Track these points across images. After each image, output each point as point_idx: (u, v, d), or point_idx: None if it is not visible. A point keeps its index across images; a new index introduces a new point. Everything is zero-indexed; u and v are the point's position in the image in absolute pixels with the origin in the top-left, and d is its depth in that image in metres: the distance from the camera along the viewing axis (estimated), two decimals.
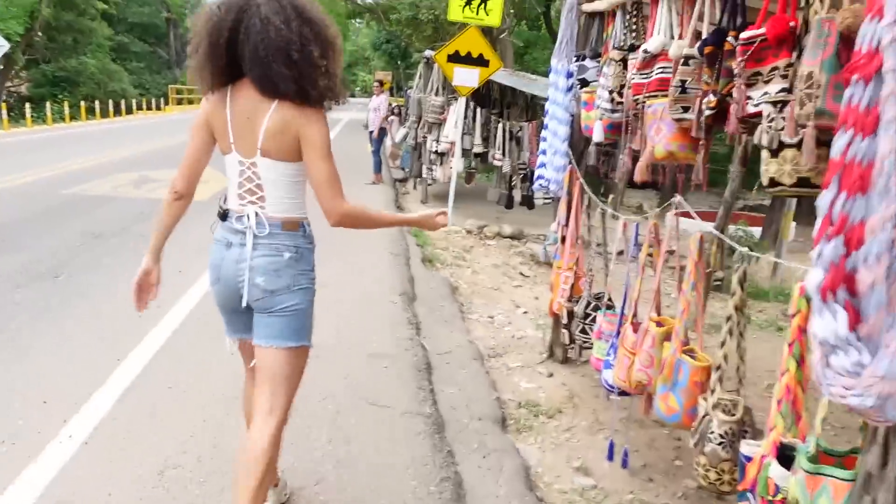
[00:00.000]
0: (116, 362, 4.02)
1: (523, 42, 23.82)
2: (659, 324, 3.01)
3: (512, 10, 19.23)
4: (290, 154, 2.25)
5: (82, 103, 25.62)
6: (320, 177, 2.23)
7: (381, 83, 14.50)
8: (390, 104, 14.57)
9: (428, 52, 11.32)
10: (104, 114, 27.67)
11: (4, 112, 19.76)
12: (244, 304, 2.33)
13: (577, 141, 4.44)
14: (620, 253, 3.61)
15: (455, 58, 9.55)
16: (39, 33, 26.51)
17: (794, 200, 9.12)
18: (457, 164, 9.94)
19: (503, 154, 10.19)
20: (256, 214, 2.29)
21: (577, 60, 4.18)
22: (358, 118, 30.00)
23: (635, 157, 3.36)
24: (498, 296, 6.83)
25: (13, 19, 22.46)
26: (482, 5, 9.55)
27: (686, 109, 2.80)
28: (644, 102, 3.13)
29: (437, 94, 10.64)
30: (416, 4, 23.75)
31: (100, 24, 35.60)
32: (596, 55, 4.05)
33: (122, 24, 42.85)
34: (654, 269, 3.17)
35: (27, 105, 22.55)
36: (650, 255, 3.25)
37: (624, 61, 3.50)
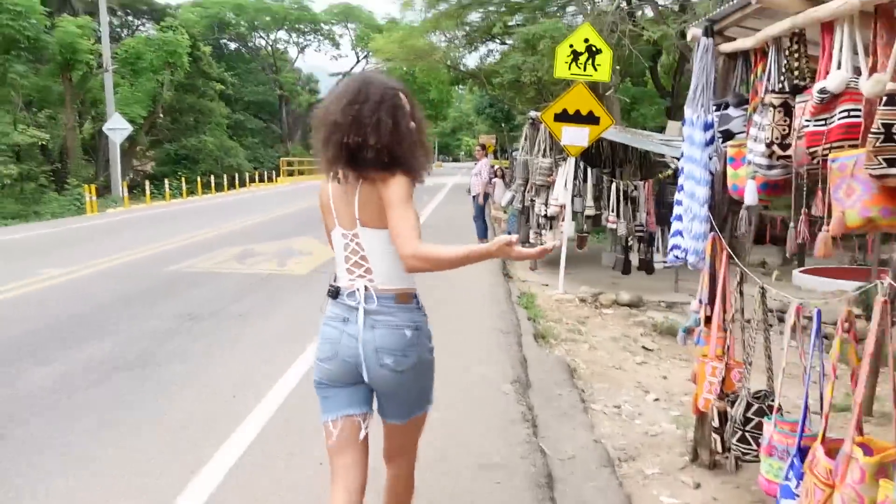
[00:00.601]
0: (189, 474, 3.54)
1: (630, 98, 23.12)
2: (867, 449, 2.23)
3: (618, 67, 18.67)
4: (385, 221, 2.25)
5: (198, 179, 26.77)
6: (394, 224, 2.20)
7: (484, 147, 14.21)
8: (493, 167, 14.18)
9: (533, 113, 10.86)
10: (220, 188, 28.87)
11: (125, 190, 20.77)
12: (365, 378, 2.34)
13: (720, 203, 3.75)
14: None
15: (563, 116, 9.02)
16: (161, 115, 28.12)
17: None
18: (567, 227, 9.30)
19: (617, 216, 9.47)
20: (366, 288, 2.31)
21: (717, 109, 3.53)
22: (462, 183, 29.95)
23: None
24: (621, 377, 6.06)
25: (137, 104, 23.95)
26: (590, 61, 9.02)
27: (892, 163, 2.10)
28: (824, 156, 2.44)
29: (544, 156, 10.11)
30: (517, 67, 23.60)
31: (218, 104, 37.79)
32: (742, 101, 3.39)
33: (239, 104, 45.38)
34: (851, 370, 2.41)
35: (147, 183, 23.74)
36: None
37: (786, 106, 2.82)
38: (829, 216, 2.43)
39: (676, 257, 3.90)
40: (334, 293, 2.39)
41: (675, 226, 3.92)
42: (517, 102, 31.21)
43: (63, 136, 21.88)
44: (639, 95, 24.88)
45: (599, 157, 10.71)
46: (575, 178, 9.35)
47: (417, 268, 2.20)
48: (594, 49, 8.99)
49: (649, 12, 20.46)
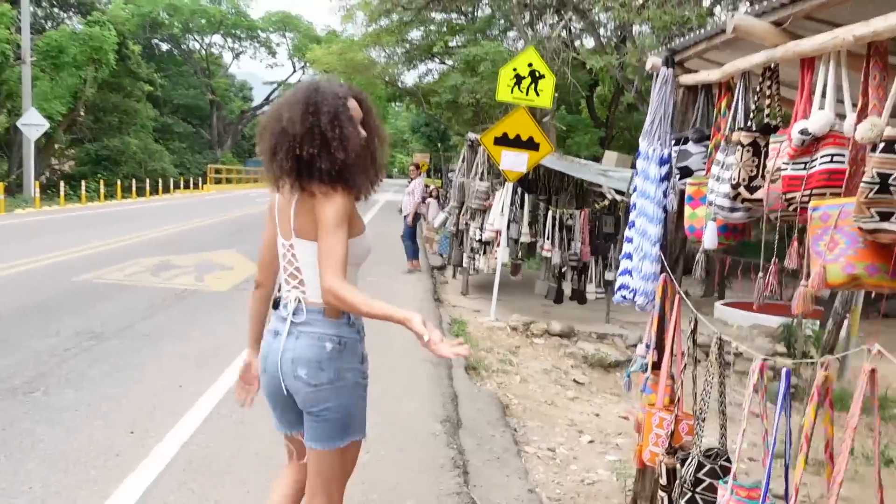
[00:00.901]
0: None
1: (566, 126, 23.33)
2: None
3: (556, 94, 18.76)
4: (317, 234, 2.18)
5: (118, 182, 25.54)
6: (321, 249, 2.12)
7: (418, 166, 13.78)
8: (427, 186, 13.88)
9: (472, 135, 10.66)
10: (142, 192, 27.68)
11: (37, 190, 19.56)
12: (285, 392, 2.25)
13: (672, 242, 3.55)
14: None
15: (503, 140, 8.83)
16: (82, 113, 26.82)
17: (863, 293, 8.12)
18: (502, 253, 9.07)
19: (552, 244, 9.31)
20: (297, 300, 2.25)
21: (675, 144, 3.32)
22: (395, 200, 29.60)
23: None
24: (554, 414, 5.82)
25: (57, 99, 22.69)
26: (532, 86, 8.87)
27: (886, 216, 1.88)
28: (803, 203, 2.22)
29: (481, 179, 9.89)
30: (456, 87, 23.54)
31: (145, 105, 36.41)
32: (703, 137, 3.19)
33: (168, 106, 43.91)
34: (825, 441, 2.18)
35: (62, 184, 22.46)
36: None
37: (755, 145, 2.62)
38: (808, 269, 2.21)
39: (624, 297, 3.66)
40: (275, 304, 2.35)
41: (623, 264, 3.69)
42: (454, 123, 31.17)
43: None
44: (574, 123, 25.15)
45: (536, 184, 10.56)
46: (512, 203, 9.15)
47: (331, 303, 2.10)
48: (537, 74, 8.85)
49: (589, 42, 20.72)
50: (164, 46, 50.26)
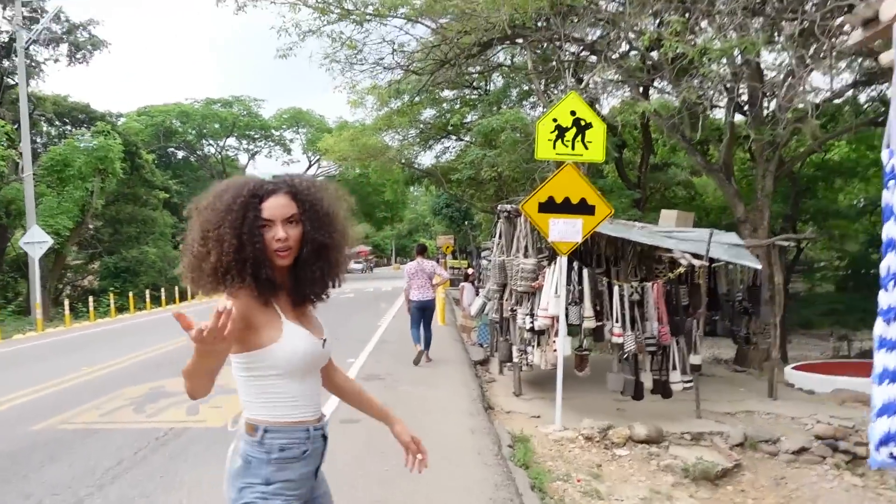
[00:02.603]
0: None
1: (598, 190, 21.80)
2: None
3: None
4: (237, 345, 2.07)
5: (130, 295, 24.31)
6: None
7: (425, 248, 11.60)
8: (463, 268, 12.27)
9: (507, 206, 9.05)
10: (159, 302, 26.43)
11: (38, 312, 18.20)
12: None
13: None
14: None
15: (549, 206, 7.23)
16: (90, 226, 25.91)
17: None
18: (562, 344, 7.30)
19: (623, 327, 7.56)
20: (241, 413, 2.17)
21: None
22: None
23: None
24: None
25: (63, 214, 21.73)
26: (579, 137, 7.31)
27: None
28: None
29: (525, 255, 8.22)
30: (475, 163, 22.30)
31: (161, 213, 35.86)
32: None
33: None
34: None
35: (66, 303, 21.21)
36: None
37: None
38: None
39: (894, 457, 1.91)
40: None
41: (884, 392, 1.95)
42: (476, 200, 29.89)
43: None
44: (605, 188, 23.67)
45: (589, 256, 8.88)
46: (568, 282, 7.45)
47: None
48: (583, 123, 7.31)
49: (613, 102, 19.43)
50: (180, 154, 50.55)
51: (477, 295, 12.54)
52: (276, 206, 2.06)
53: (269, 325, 2.08)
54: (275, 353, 2.08)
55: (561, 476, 5.81)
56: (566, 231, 7.21)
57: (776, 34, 9.48)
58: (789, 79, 10.02)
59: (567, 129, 7.34)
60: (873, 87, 14.25)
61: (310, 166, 54.85)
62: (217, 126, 49.21)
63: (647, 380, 7.75)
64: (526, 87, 25.01)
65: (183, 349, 12.41)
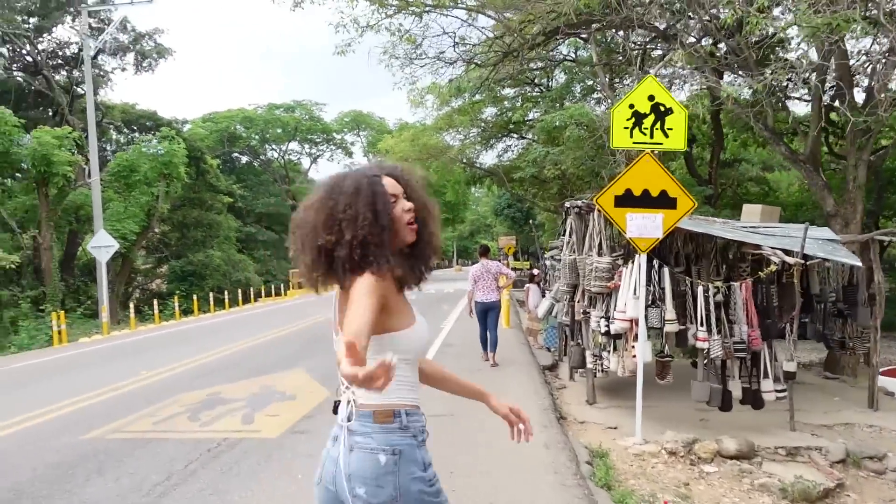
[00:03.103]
0: None
1: None
2: None
3: None
4: None
5: (195, 298, 24.55)
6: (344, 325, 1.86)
7: (488, 249, 11.12)
8: (527, 269, 11.75)
9: (577, 202, 8.47)
10: (223, 304, 26.65)
11: (104, 315, 18.39)
12: None
13: None
14: None
15: (627, 200, 6.64)
16: (156, 230, 26.29)
17: None
18: (642, 350, 6.70)
19: (708, 330, 6.90)
20: (349, 402, 2.03)
21: None
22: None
23: None
24: None
25: (129, 219, 22.03)
26: (657, 125, 6.70)
27: None
28: None
29: (599, 254, 7.64)
30: (538, 161, 21.70)
31: (226, 217, 36.36)
32: None
33: (251, 216, 44.11)
34: None
35: (132, 306, 21.49)
36: None
37: None
38: None
39: None
40: (334, 407, 2.13)
41: None
42: (539, 199, 29.21)
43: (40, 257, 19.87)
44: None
45: (667, 254, 8.23)
46: (648, 282, 6.85)
47: (351, 356, 1.59)
48: (663, 109, 6.70)
49: (681, 97, 18.53)
50: (244, 159, 51.34)
51: (543, 297, 11.97)
52: (390, 185, 2.08)
53: (403, 309, 2.07)
54: (410, 337, 2.05)
55: (646, 497, 5.24)
56: (645, 226, 6.61)
57: (869, 10, 8.63)
58: (886, 57, 9.17)
59: (645, 116, 6.73)
60: None
61: None
62: (280, 131, 49.82)
63: (736, 388, 7.06)
64: (590, 83, 24.28)
65: (243, 352, 12.22)
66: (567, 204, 8.59)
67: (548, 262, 14.12)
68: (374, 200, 2.00)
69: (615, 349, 7.49)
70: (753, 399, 7.07)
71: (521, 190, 29.26)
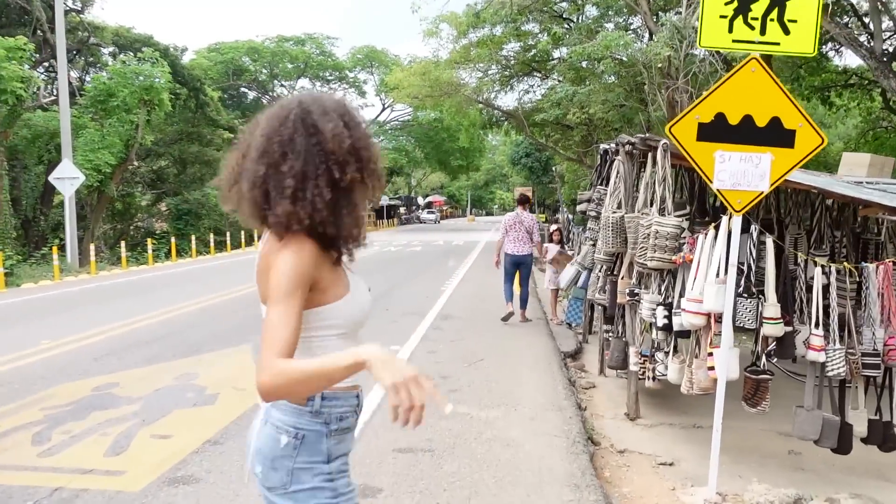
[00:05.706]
0: None
1: None
2: None
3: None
4: None
5: (172, 241, 22.52)
6: (264, 325, 1.64)
7: (527, 199, 10.67)
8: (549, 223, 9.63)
9: (627, 137, 6.03)
10: (220, 247, 24.67)
11: (70, 257, 16.20)
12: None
13: None
14: None
15: (717, 130, 4.25)
16: (135, 162, 24.02)
17: None
18: (726, 360, 4.37)
19: (825, 336, 4.55)
20: None
21: None
22: (496, 240, 25.11)
23: None
24: None
25: (105, 149, 19.69)
26: (773, 14, 4.25)
27: None
28: None
29: (661, 212, 5.25)
30: (563, 101, 19.16)
31: (226, 153, 34.21)
32: None
33: None
34: None
35: (125, 244, 19.37)
36: None
37: None
38: None
39: None
40: None
41: None
42: (561, 147, 26.64)
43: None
44: None
45: (755, 217, 5.82)
46: (740, 259, 4.47)
47: (266, 394, 1.52)
48: None
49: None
50: (252, 95, 49.04)
51: (570, 262, 9.64)
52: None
53: (335, 280, 1.79)
54: (341, 309, 1.79)
55: None
56: (744, 172, 4.23)
57: None
58: None
59: (753, 1, 4.29)
60: None
61: (383, 109, 52.39)
62: (289, 66, 47.25)
63: (860, 421, 4.74)
64: (624, 19, 21.49)
65: (192, 314, 9.98)
66: (619, 138, 6.16)
67: (569, 216, 11.88)
68: (311, 136, 1.71)
69: (676, 351, 5.18)
70: (884, 437, 4.75)
71: (541, 136, 26.70)
